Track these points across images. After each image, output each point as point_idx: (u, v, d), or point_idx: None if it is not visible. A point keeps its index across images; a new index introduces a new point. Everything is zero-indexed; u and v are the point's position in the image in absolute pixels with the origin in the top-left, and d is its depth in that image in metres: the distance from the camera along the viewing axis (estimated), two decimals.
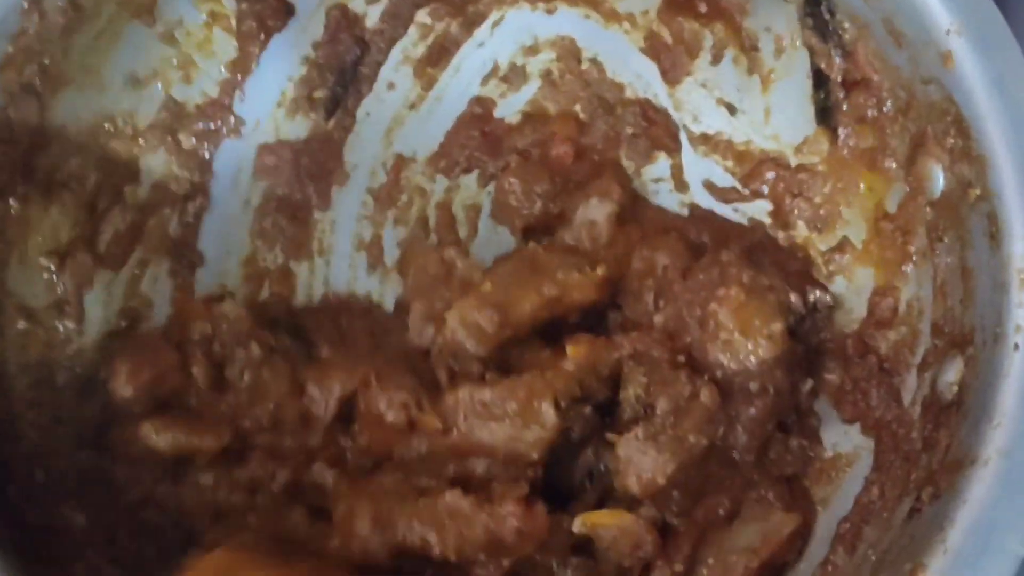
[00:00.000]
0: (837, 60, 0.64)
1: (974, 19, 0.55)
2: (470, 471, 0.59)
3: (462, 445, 0.59)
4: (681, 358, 0.60)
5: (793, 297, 0.63)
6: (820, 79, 0.67)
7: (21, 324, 0.63)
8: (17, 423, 0.59)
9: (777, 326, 0.59)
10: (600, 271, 0.64)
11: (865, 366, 0.62)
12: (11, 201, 0.62)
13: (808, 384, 0.63)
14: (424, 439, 0.60)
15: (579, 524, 0.58)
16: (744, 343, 0.59)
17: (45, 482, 0.58)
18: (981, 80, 0.54)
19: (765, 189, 0.70)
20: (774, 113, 0.70)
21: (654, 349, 0.60)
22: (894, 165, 0.63)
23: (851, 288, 0.66)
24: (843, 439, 0.62)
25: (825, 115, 0.67)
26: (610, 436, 0.59)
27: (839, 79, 0.65)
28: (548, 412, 0.58)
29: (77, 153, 0.66)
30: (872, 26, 0.60)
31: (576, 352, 0.60)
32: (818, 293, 0.64)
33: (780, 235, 0.69)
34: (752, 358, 0.59)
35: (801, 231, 0.68)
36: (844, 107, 0.65)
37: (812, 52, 0.66)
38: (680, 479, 0.58)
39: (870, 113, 0.63)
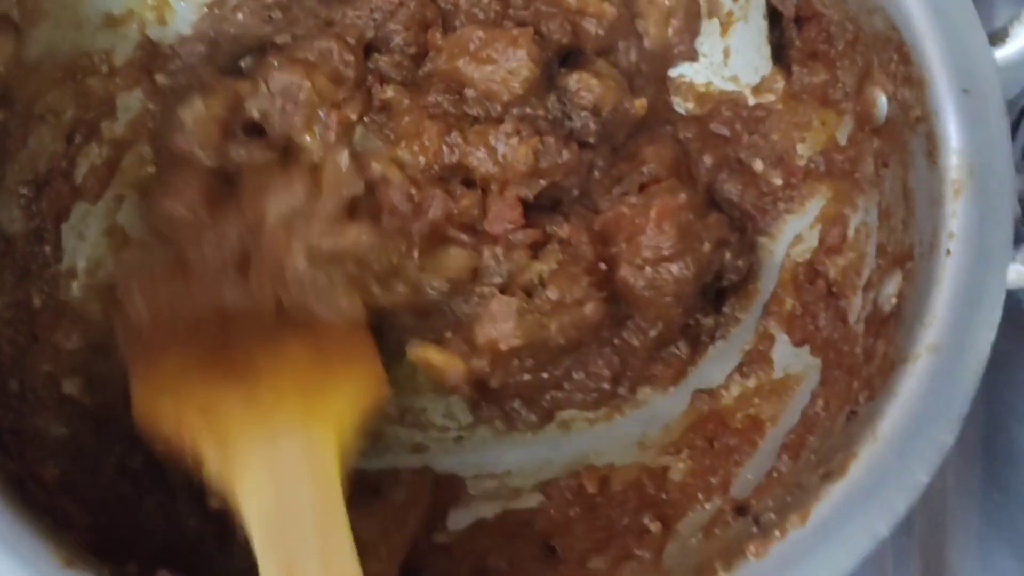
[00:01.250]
0: None
1: None
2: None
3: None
4: (603, 265, 0.64)
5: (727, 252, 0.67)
6: (775, 18, 0.69)
7: None
8: None
9: (706, 247, 0.63)
10: None
11: (814, 291, 0.64)
12: None
13: (709, 320, 0.68)
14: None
15: (410, 352, 0.66)
16: (661, 263, 0.64)
17: (20, 392, 0.60)
18: (920, 4, 0.56)
19: (724, 129, 0.72)
20: (733, 55, 0.72)
21: (583, 246, 0.64)
22: (844, 98, 0.65)
23: (803, 219, 0.67)
24: (793, 360, 0.64)
25: (780, 53, 0.69)
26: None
27: (792, 16, 0.67)
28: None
29: (55, 87, 0.68)
30: None
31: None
32: (737, 263, 0.68)
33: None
34: (673, 268, 0.63)
35: (758, 167, 0.70)
36: (797, 44, 0.67)
37: None
38: (525, 356, 0.64)
39: (821, 48, 0.65)
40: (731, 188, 0.69)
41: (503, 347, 0.63)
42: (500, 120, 0.66)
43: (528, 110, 0.67)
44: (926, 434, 0.48)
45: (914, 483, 0.47)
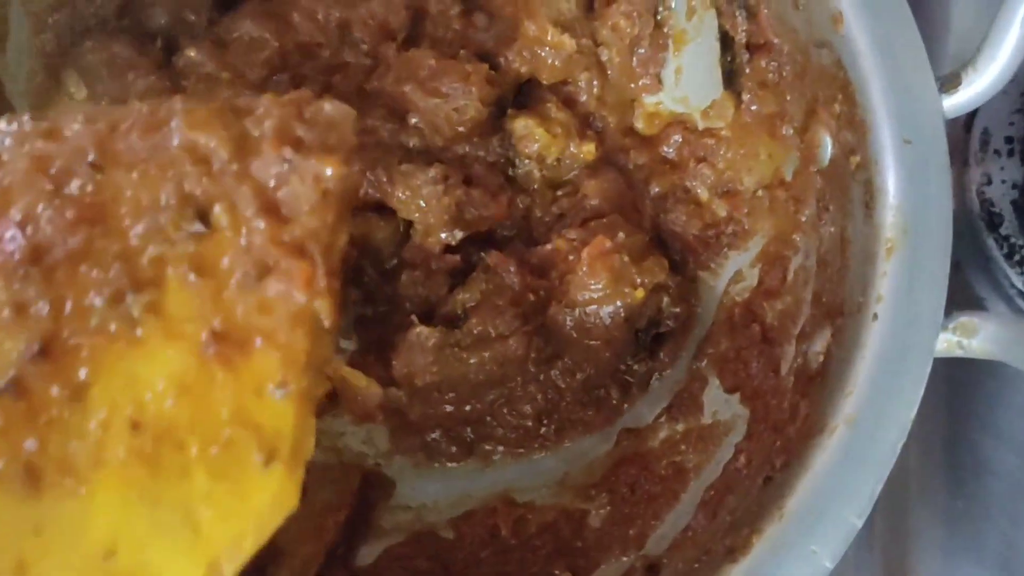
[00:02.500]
0: (741, 21, 0.63)
1: None
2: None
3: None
4: (532, 296, 0.61)
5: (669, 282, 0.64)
6: (727, 42, 0.65)
7: None
8: None
9: (639, 293, 0.59)
10: None
11: (749, 335, 0.61)
12: None
13: (641, 365, 0.64)
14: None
15: (330, 369, 0.59)
16: (591, 305, 0.61)
17: None
18: (868, 42, 0.53)
19: (672, 152, 0.69)
20: (684, 75, 0.68)
21: (511, 275, 0.61)
22: (791, 132, 0.61)
23: (744, 256, 0.64)
24: (723, 407, 0.62)
25: (731, 79, 0.66)
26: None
27: (743, 41, 0.63)
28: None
29: None
30: None
31: None
32: (674, 310, 0.65)
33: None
34: (603, 312, 0.59)
35: (704, 195, 0.67)
36: (747, 71, 0.64)
37: (720, 13, 0.65)
38: (445, 389, 0.61)
39: (771, 78, 0.62)
40: (675, 218, 0.66)
41: (418, 382, 0.60)
42: (435, 157, 0.63)
43: (468, 149, 0.64)
44: (834, 514, 0.46)
45: (817, 567, 0.45)
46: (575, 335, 0.62)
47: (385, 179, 0.63)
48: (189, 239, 0.37)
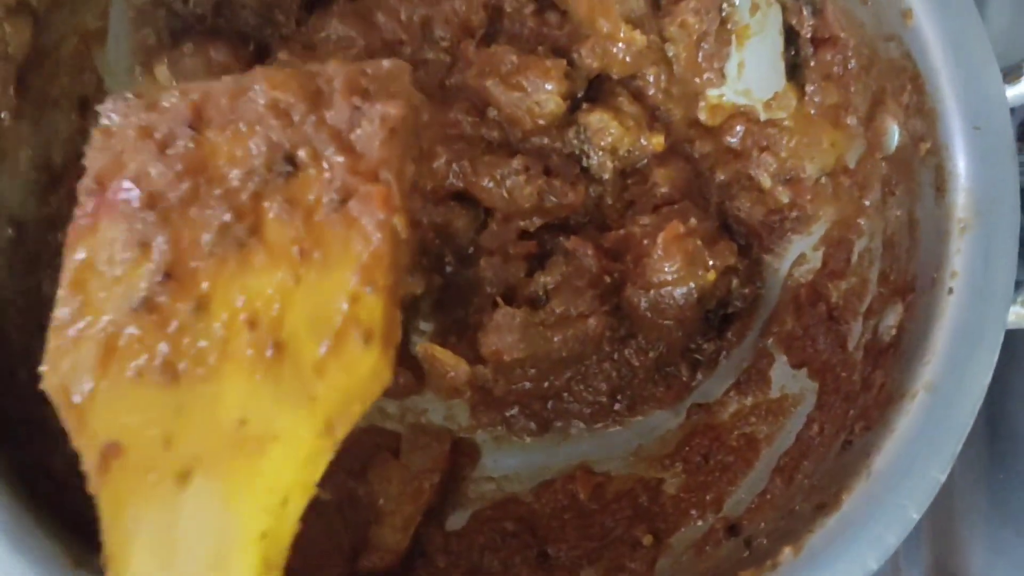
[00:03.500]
0: (807, 16, 0.66)
1: None
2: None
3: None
4: (608, 278, 0.65)
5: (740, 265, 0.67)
6: (791, 36, 0.69)
7: (10, 233, 0.65)
8: (3, 324, 0.61)
9: (711, 275, 0.64)
10: None
11: (815, 314, 0.65)
12: (3, 115, 0.64)
13: (711, 344, 0.68)
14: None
15: (419, 347, 0.67)
16: (665, 287, 0.65)
17: (27, 381, 0.61)
18: (937, 36, 0.56)
19: (735, 142, 0.72)
20: (747, 68, 0.72)
21: (588, 259, 0.65)
22: (855, 122, 0.65)
23: (807, 240, 0.68)
24: (790, 381, 0.65)
25: (795, 72, 0.69)
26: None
27: (808, 36, 0.67)
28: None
29: (69, 72, 0.68)
30: None
31: None
32: (743, 291, 0.68)
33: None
34: (677, 293, 0.64)
35: (766, 183, 0.71)
36: (812, 64, 0.67)
37: (784, 9, 0.68)
38: (528, 366, 0.66)
39: (836, 70, 0.65)
40: (739, 205, 0.70)
41: (506, 358, 0.64)
42: (514, 149, 0.67)
43: (546, 141, 0.68)
44: (919, 471, 0.49)
45: (906, 519, 0.48)
46: (649, 315, 0.66)
47: (470, 169, 0.66)
48: (279, 178, 0.45)
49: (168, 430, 0.43)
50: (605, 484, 0.67)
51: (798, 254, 0.69)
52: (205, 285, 0.44)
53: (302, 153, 0.45)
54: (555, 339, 0.65)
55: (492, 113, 0.69)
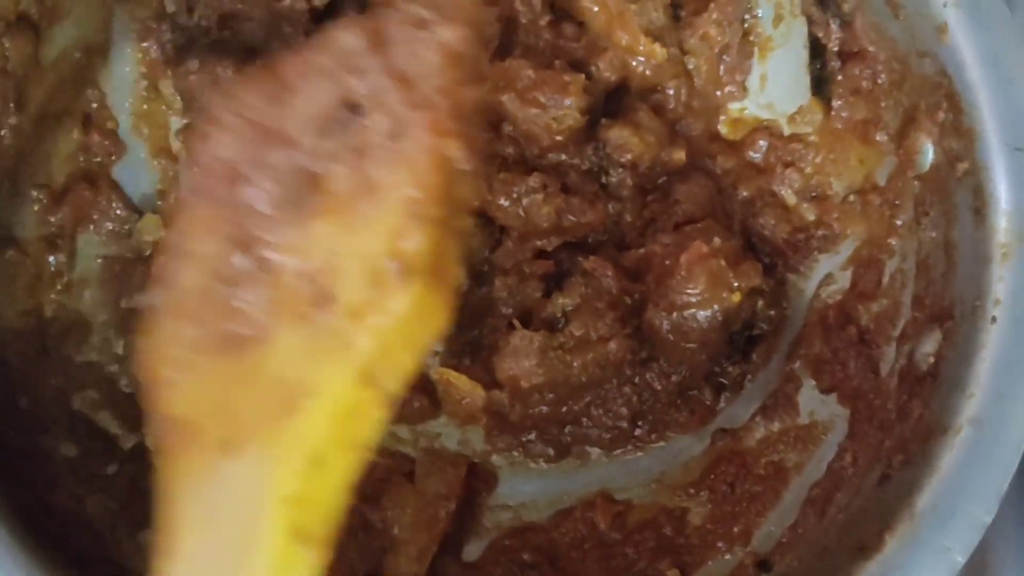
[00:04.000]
0: (835, 30, 0.64)
1: None
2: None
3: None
4: (628, 299, 0.63)
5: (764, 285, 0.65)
6: (817, 49, 0.67)
7: (9, 254, 0.63)
8: (3, 350, 0.59)
9: (735, 296, 0.61)
10: None
11: (845, 337, 0.63)
12: (3, 132, 0.62)
13: (735, 367, 0.66)
14: None
15: (434, 371, 0.64)
16: (688, 309, 0.62)
17: (29, 409, 0.59)
18: (974, 53, 0.54)
19: (758, 157, 0.70)
20: (770, 81, 0.70)
21: (608, 279, 0.63)
22: (885, 138, 0.63)
23: (835, 259, 0.66)
24: (820, 407, 0.63)
25: (820, 85, 0.67)
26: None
27: (836, 49, 0.65)
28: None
29: (71, 88, 0.66)
30: None
31: None
32: (768, 312, 0.66)
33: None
34: (700, 315, 0.62)
35: (791, 200, 0.69)
36: (839, 78, 0.65)
37: (810, 21, 0.66)
38: (546, 391, 0.63)
39: (865, 85, 0.63)
40: (763, 222, 0.68)
41: (524, 384, 0.62)
42: (531, 166, 0.65)
43: (564, 157, 0.65)
44: (964, 512, 0.47)
45: (951, 563, 0.46)
46: (672, 338, 0.64)
47: (485, 187, 0.64)
48: (343, 127, 0.42)
49: (223, 399, 0.40)
50: (626, 512, 0.65)
51: (825, 274, 0.67)
52: (270, 244, 0.41)
53: (364, 96, 0.42)
54: (574, 364, 0.62)
55: (507, 128, 0.66)
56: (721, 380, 0.66)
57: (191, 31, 0.67)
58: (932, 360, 0.55)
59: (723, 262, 0.63)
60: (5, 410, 0.57)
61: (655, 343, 0.65)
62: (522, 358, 0.62)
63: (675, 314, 0.63)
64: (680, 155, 0.68)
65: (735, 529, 0.60)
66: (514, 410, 0.64)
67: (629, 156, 0.66)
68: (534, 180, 0.64)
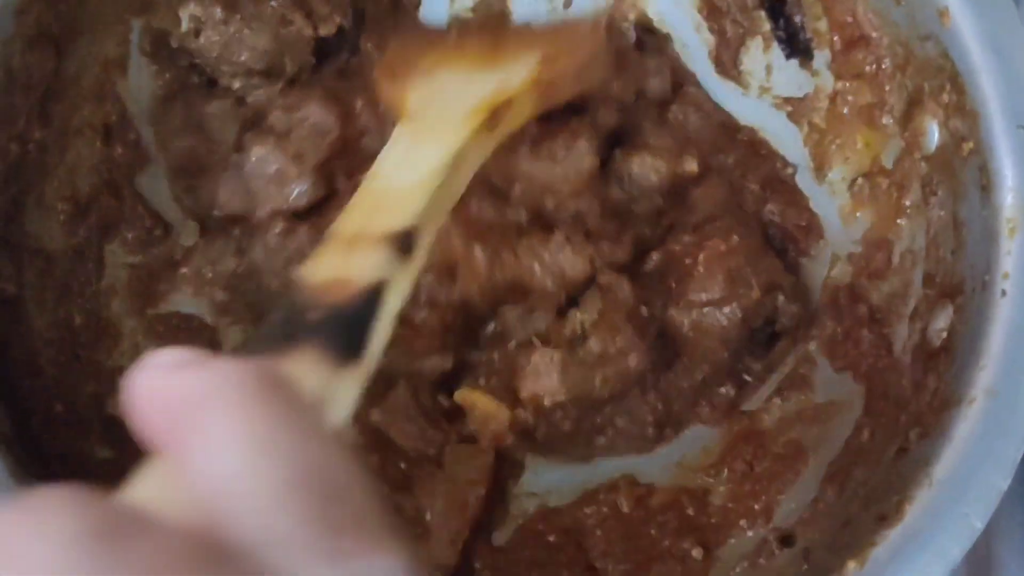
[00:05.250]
0: None
1: None
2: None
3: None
4: (644, 310, 0.62)
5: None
6: (775, 11, 0.68)
7: (39, 265, 0.64)
8: (36, 359, 0.61)
9: (755, 293, 0.62)
10: None
11: (856, 316, 0.64)
12: (29, 147, 0.63)
13: (758, 364, 0.66)
14: None
15: (458, 394, 0.63)
16: (708, 307, 0.63)
17: (64, 414, 0.60)
18: (976, 36, 0.56)
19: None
20: (775, 71, 0.71)
21: (624, 292, 0.63)
22: (891, 121, 0.64)
23: (845, 240, 0.67)
24: (836, 387, 0.64)
25: (792, 44, 0.68)
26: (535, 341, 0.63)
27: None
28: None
29: (92, 101, 0.68)
30: None
31: None
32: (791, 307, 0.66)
33: None
34: (720, 313, 0.62)
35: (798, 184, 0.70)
36: (802, 23, 0.67)
37: None
38: (569, 408, 0.62)
39: (869, 70, 0.65)
40: (773, 208, 0.69)
41: (547, 402, 0.62)
42: (548, 223, 0.63)
43: (581, 205, 0.64)
44: (981, 479, 0.49)
45: (969, 529, 0.48)
46: (693, 336, 0.64)
47: (513, 259, 0.63)
48: None
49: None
50: (648, 495, 0.66)
51: (835, 256, 0.68)
52: None
53: None
54: (596, 378, 0.62)
55: (516, 191, 0.64)
56: (745, 376, 0.67)
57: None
58: (945, 335, 0.56)
59: (742, 259, 0.64)
60: (41, 416, 0.59)
61: (676, 341, 0.65)
62: (543, 377, 0.62)
63: (695, 312, 0.64)
64: (692, 166, 0.67)
65: (756, 507, 0.61)
66: (539, 430, 0.64)
67: (657, 179, 0.66)
68: (559, 236, 0.63)
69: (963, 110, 0.57)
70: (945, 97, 0.58)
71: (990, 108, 0.55)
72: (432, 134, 0.51)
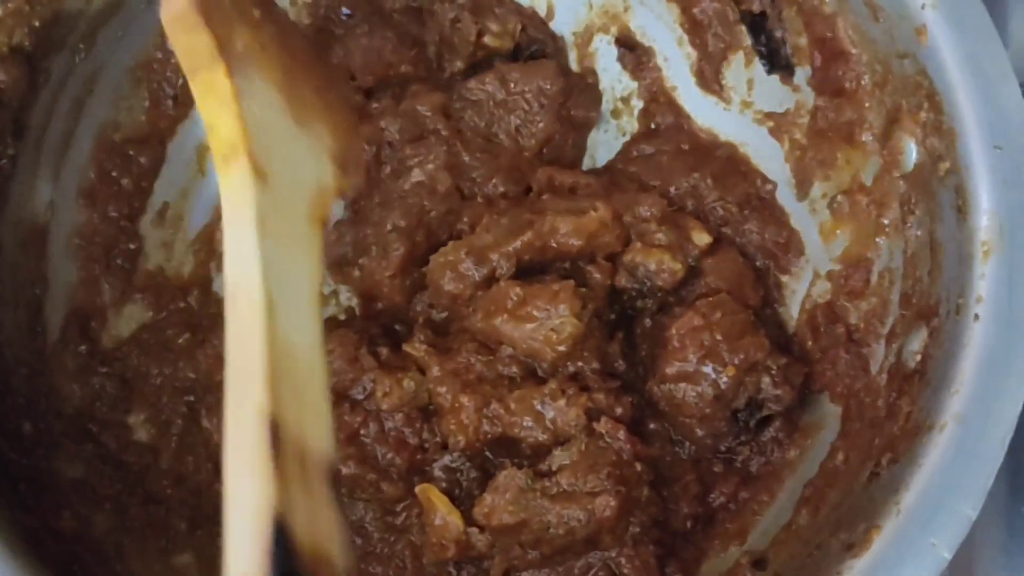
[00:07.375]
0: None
1: None
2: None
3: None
4: (638, 467, 0.59)
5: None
6: (755, 27, 0.68)
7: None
8: (8, 378, 0.60)
9: (728, 371, 0.60)
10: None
11: (834, 335, 0.63)
12: (2, 161, 0.63)
13: (744, 448, 0.63)
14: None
15: (419, 489, 0.59)
16: (680, 382, 0.61)
17: (33, 435, 0.60)
18: (953, 54, 0.55)
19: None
20: (756, 86, 0.70)
21: (619, 442, 0.59)
22: (871, 138, 0.63)
23: (824, 258, 0.67)
24: (812, 407, 0.64)
25: (774, 59, 0.68)
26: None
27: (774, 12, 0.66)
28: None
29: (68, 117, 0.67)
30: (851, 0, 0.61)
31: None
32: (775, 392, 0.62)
33: None
34: (693, 390, 0.61)
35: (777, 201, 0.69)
36: (784, 35, 0.66)
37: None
38: (527, 544, 0.58)
39: (849, 86, 0.64)
40: (751, 227, 0.68)
41: (494, 521, 0.57)
42: (541, 379, 0.61)
43: (579, 364, 0.61)
44: (949, 507, 0.48)
45: (937, 559, 0.47)
46: (668, 410, 0.62)
47: (503, 411, 0.60)
48: None
49: None
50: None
51: (814, 273, 0.67)
52: None
53: None
54: (551, 510, 0.57)
55: (506, 351, 0.62)
56: (732, 457, 0.64)
57: None
58: (919, 358, 0.55)
59: (718, 335, 0.61)
60: (9, 436, 0.59)
61: (658, 414, 0.63)
62: (498, 494, 0.58)
63: (667, 385, 0.61)
64: (702, 236, 0.65)
65: (729, 527, 0.61)
66: (493, 561, 0.60)
67: (668, 276, 0.63)
68: (552, 386, 0.60)
69: (940, 128, 0.56)
70: (923, 115, 0.57)
71: (967, 127, 0.54)
72: (291, 240, 0.44)
